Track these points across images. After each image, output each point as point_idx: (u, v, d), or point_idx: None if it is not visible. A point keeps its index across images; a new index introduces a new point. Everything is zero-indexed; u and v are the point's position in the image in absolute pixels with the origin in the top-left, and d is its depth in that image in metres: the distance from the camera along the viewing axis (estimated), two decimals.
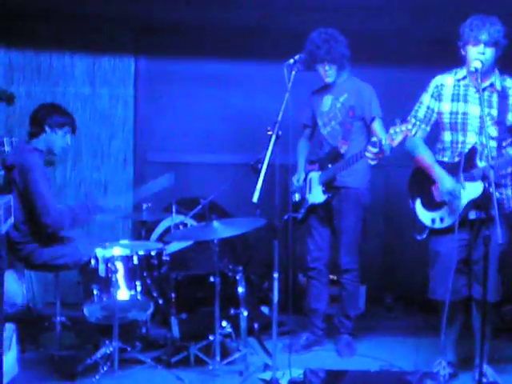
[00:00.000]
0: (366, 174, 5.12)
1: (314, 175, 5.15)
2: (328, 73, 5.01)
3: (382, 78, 5.75)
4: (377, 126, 4.98)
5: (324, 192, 5.06)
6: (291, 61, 4.46)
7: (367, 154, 4.47)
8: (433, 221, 4.46)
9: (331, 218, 5.15)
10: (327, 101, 5.12)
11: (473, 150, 4.29)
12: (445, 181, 4.36)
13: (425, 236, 4.49)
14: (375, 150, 4.41)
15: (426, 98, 4.49)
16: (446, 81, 4.43)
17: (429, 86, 4.50)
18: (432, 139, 4.56)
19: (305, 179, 5.22)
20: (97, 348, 4.55)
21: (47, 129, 4.82)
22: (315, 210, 5.16)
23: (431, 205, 4.47)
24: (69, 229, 4.77)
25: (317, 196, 5.10)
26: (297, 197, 5.18)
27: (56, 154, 4.98)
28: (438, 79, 4.46)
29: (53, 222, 4.65)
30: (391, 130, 4.24)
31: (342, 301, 5.22)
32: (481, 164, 4.25)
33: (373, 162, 4.53)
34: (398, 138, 4.22)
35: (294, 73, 4.41)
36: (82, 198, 6.19)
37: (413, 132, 4.21)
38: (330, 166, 5.01)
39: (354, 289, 5.20)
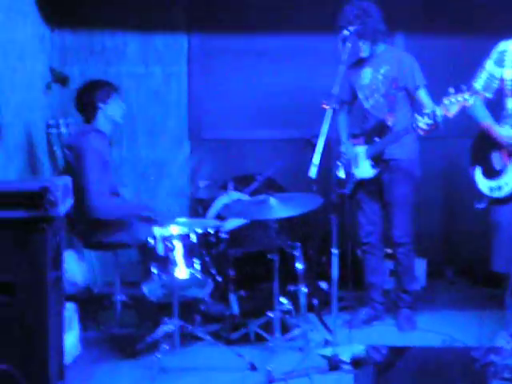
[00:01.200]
0: (414, 145, 5.00)
1: (360, 149, 5.02)
2: (362, 48, 4.90)
3: (436, 46, 5.65)
4: (422, 94, 4.84)
5: (373, 166, 4.94)
6: (346, 32, 4.40)
7: (420, 125, 4.38)
8: (491, 189, 4.37)
9: (381, 191, 5.05)
10: (367, 73, 5.00)
11: None
12: (503, 130, 4.27)
13: (484, 205, 4.40)
14: (430, 122, 4.33)
15: (489, 65, 4.37)
16: (510, 46, 4.29)
17: (492, 52, 4.37)
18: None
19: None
20: (157, 326, 4.58)
21: (100, 105, 4.83)
22: (363, 184, 5.05)
23: (490, 173, 4.37)
24: (105, 220, 4.73)
25: (365, 171, 4.99)
26: (341, 173, 4.98)
27: (119, 122, 4.97)
28: (502, 45, 4.33)
29: (90, 210, 4.64)
30: (446, 101, 4.16)
31: (398, 275, 5.15)
32: None
33: (422, 133, 4.45)
34: (454, 109, 4.13)
35: (349, 45, 4.34)
36: (139, 178, 6.22)
37: (470, 101, 4.10)
38: (377, 139, 4.90)
39: (408, 263, 5.10)
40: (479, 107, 4.40)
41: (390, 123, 4.86)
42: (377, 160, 4.92)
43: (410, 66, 4.88)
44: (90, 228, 4.76)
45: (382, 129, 4.89)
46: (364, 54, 4.93)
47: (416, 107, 4.85)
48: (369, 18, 4.79)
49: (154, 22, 6.19)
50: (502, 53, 4.31)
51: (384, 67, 4.92)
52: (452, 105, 4.12)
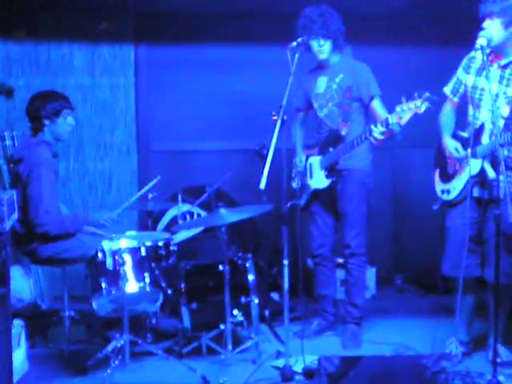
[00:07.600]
0: (368, 155, 4.96)
1: (314, 160, 4.99)
2: (322, 49, 4.81)
3: (386, 58, 5.72)
4: (376, 104, 4.82)
5: (327, 176, 4.90)
6: (294, 43, 4.40)
7: (374, 134, 4.40)
8: (442, 192, 4.45)
9: (335, 202, 5.00)
10: (322, 82, 4.96)
11: (481, 127, 4.23)
12: (448, 140, 4.37)
13: (438, 207, 4.47)
14: (382, 130, 4.34)
15: (459, 70, 4.41)
16: (478, 55, 4.26)
17: (464, 58, 4.40)
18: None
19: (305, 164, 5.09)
20: (107, 341, 4.51)
21: (46, 121, 4.72)
22: (318, 195, 5.02)
23: (444, 176, 4.44)
24: (55, 235, 4.61)
25: (320, 181, 4.95)
26: (295, 184, 5.01)
27: (64, 139, 4.88)
28: (473, 52, 4.33)
29: (40, 224, 4.50)
30: (398, 108, 4.19)
31: (348, 287, 5.08)
32: (485, 142, 4.18)
33: (376, 142, 4.46)
34: (406, 116, 4.17)
35: (297, 56, 4.34)
36: (86, 191, 6.16)
37: (422, 109, 4.11)
38: (331, 149, 4.85)
39: (360, 274, 5.03)
40: (447, 113, 4.49)
41: (343, 133, 4.83)
42: (331, 170, 4.88)
43: (366, 76, 4.84)
44: (38, 244, 4.66)
45: (335, 139, 4.85)
46: (323, 55, 4.84)
47: (370, 117, 4.85)
48: (331, 17, 4.76)
49: (100, 32, 6.12)
50: (470, 59, 4.34)
51: (339, 76, 4.87)
52: (404, 112, 4.15)
